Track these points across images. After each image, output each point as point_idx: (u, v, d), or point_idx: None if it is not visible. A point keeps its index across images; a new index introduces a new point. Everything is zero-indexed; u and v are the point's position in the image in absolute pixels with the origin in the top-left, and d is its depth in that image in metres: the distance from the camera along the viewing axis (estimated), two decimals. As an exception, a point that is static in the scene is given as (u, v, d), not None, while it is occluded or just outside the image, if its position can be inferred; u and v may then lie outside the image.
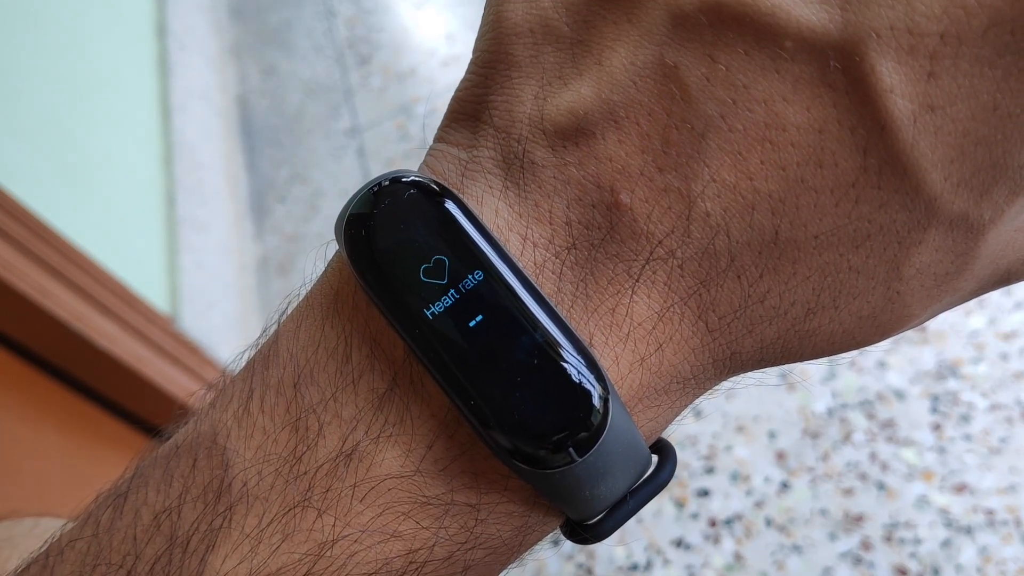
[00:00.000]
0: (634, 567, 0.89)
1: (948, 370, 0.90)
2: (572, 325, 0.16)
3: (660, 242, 0.16)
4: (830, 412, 0.92)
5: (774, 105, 0.14)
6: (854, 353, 0.95)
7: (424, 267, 0.16)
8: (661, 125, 0.15)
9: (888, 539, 0.83)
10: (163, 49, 1.35)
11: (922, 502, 0.84)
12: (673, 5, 0.15)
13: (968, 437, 0.86)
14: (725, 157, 0.15)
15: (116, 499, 0.18)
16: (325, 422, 0.17)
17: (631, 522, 0.91)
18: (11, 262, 0.74)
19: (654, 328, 0.16)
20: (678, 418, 0.19)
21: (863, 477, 0.87)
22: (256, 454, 0.17)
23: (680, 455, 0.93)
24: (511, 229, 0.16)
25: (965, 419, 0.87)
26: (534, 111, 0.16)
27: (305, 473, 0.17)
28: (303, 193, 1.44)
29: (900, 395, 0.91)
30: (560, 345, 0.15)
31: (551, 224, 0.16)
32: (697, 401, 0.18)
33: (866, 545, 0.83)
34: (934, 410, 0.89)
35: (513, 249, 0.16)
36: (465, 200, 0.17)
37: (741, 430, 0.93)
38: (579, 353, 0.16)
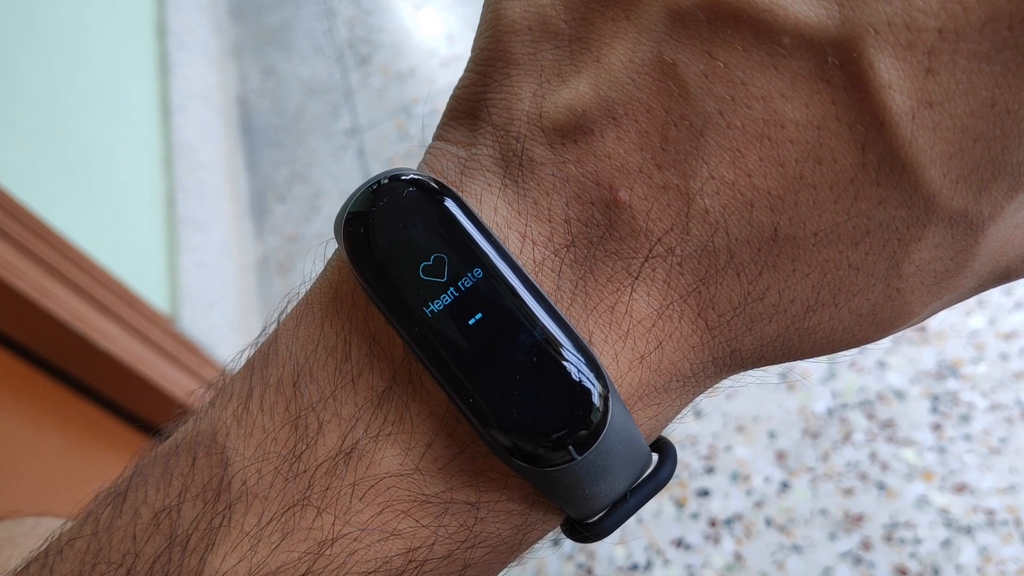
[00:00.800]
0: (634, 567, 0.89)
1: (948, 370, 0.90)
2: (571, 323, 0.16)
3: (659, 239, 0.16)
4: (830, 412, 0.92)
5: (772, 101, 0.14)
6: (854, 352, 0.95)
7: (423, 265, 0.16)
8: (660, 122, 0.15)
9: (888, 539, 0.83)
10: (163, 49, 1.35)
11: (922, 502, 0.84)
12: (671, 2, 0.15)
13: (968, 437, 0.86)
14: (724, 154, 0.15)
15: (116, 498, 0.18)
16: (324, 420, 0.17)
17: (631, 522, 0.91)
18: (11, 262, 0.74)
19: (653, 326, 0.16)
20: (678, 416, 0.18)
21: (863, 477, 0.87)
22: (256, 452, 0.17)
23: (680, 455, 0.93)
24: (510, 227, 0.16)
25: (965, 419, 0.87)
26: (533, 109, 0.16)
27: (304, 471, 0.17)
28: (303, 193, 1.44)
29: (900, 395, 0.91)
30: (559, 343, 0.15)
31: (550, 222, 0.16)
32: (697, 401, 0.18)
33: (866, 545, 0.83)
34: (934, 410, 0.89)
35: (512, 247, 0.16)
36: (464, 198, 0.17)
37: (741, 430, 0.93)
38: (578, 351, 0.16)
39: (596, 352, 0.16)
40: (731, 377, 0.19)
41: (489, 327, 0.16)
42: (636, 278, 0.16)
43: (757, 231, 0.15)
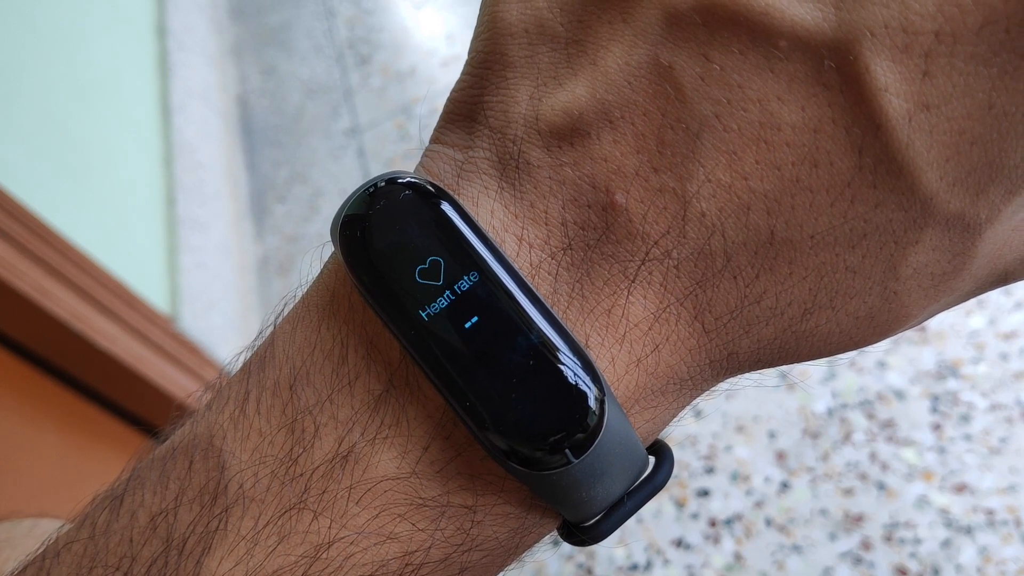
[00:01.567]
0: (634, 567, 0.89)
1: (948, 370, 0.90)
2: (568, 326, 0.16)
3: (656, 243, 0.16)
4: (830, 412, 0.92)
5: (769, 104, 0.14)
6: (853, 353, 0.94)
7: (420, 268, 0.16)
8: (656, 125, 0.15)
9: (888, 539, 0.83)
10: (163, 49, 1.35)
11: (922, 502, 0.84)
12: (667, 4, 0.15)
13: (968, 437, 0.86)
14: (720, 157, 0.15)
15: (113, 501, 0.18)
16: (321, 424, 0.17)
17: (631, 522, 0.91)
18: (11, 262, 0.74)
19: (650, 329, 0.16)
20: (677, 419, 0.18)
21: (863, 477, 0.87)
22: (252, 456, 0.17)
23: (680, 455, 0.93)
24: (507, 230, 0.16)
25: (965, 419, 0.87)
26: (529, 111, 0.16)
27: (301, 475, 0.17)
28: (303, 193, 1.44)
29: (900, 395, 0.91)
30: (556, 346, 0.15)
31: (547, 225, 0.16)
32: (696, 401, 0.18)
33: (866, 545, 0.83)
34: (934, 410, 0.89)
35: (509, 250, 0.16)
36: (460, 201, 0.16)
37: (741, 430, 0.93)
38: (575, 354, 0.15)
39: (593, 355, 0.16)
40: (730, 379, 0.19)
41: (485, 330, 0.16)
42: (633, 281, 0.16)
43: (753, 234, 0.15)
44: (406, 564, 0.17)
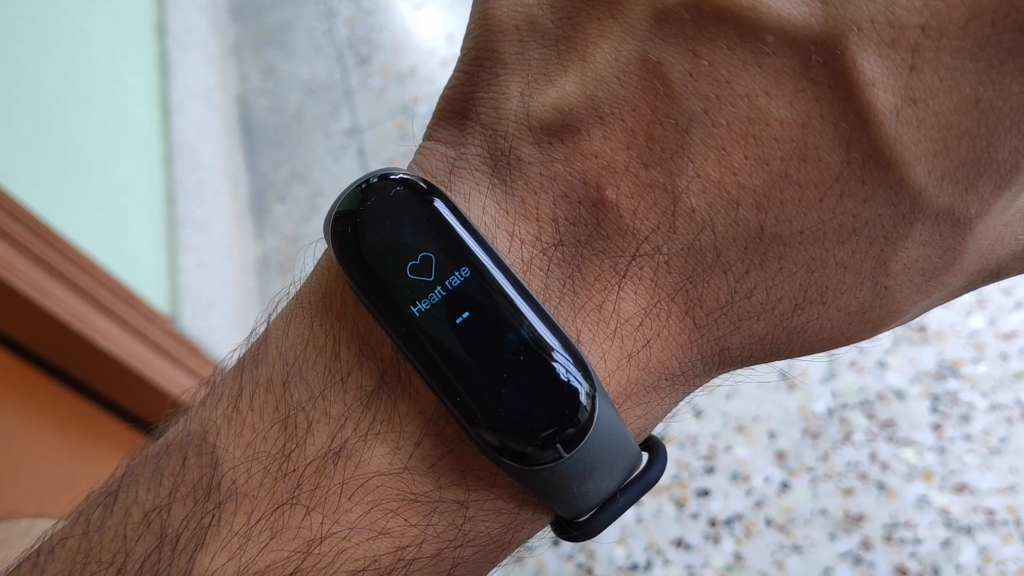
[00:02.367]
0: (634, 567, 0.89)
1: (948, 370, 0.90)
2: (559, 322, 0.16)
3: (646, 238, 0.16)
4: (830, 412, 0.92)
5: (757, 99, 0.14)
6: (854, 352, 0.94)
7: (411, 264, 0.16)
8: (645, 121, 0.15)
9: (888, 539, 0.83)
10: (163, 49, 1.35)
11: (922, 502, 0.84)
12: (656, 1, 0.15)
13: (968, 437, 0.86)
14: (709, 152, 0.15)
15: (107, 497, 0.18)
16: (314, 420, 0.17)
17: (631, 522, 0.91)
18: (11, 262, 0.74)
19: (641, 324, 0.16)
20: (676, 417, 0.18)
21: (863, 477, 0.87)
22: (245, 452, 0.17)
23: (680, 455, 0.93)
24: (498, 226, 0.16)
25: (965, 419, 0.87)
26: (520, 108, 0.16)
27: (294, 471, 0.17)
28: (303, 193, 1.44)
29: (900, 395, 0.90)
30: (547, 342, 0.15)
31: (538, 221, 0.16)
32: (697, 401, 0.18)
33: (866, 545, 0.83)
34: (934, 410, 0.89)
35: (500, 246, 0.16)
36: (452, 197, 0.17)
37: (741, 430, 0.93)
38: (566, 350, 0.16)
39: (584, 351, 0.16)
40: (730, 377, 0.19)
41: (476, 326, 0.16)
42: (623, 277, 0.16)
43: (743, 229, 0.15)
44: (398, 559, 0.17)
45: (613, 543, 0.90)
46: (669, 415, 0.19)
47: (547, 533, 0.19)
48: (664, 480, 0.92)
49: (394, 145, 1.41)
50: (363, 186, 0.17)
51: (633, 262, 0.16)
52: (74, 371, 0.86)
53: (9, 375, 0.78)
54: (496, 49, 0.17)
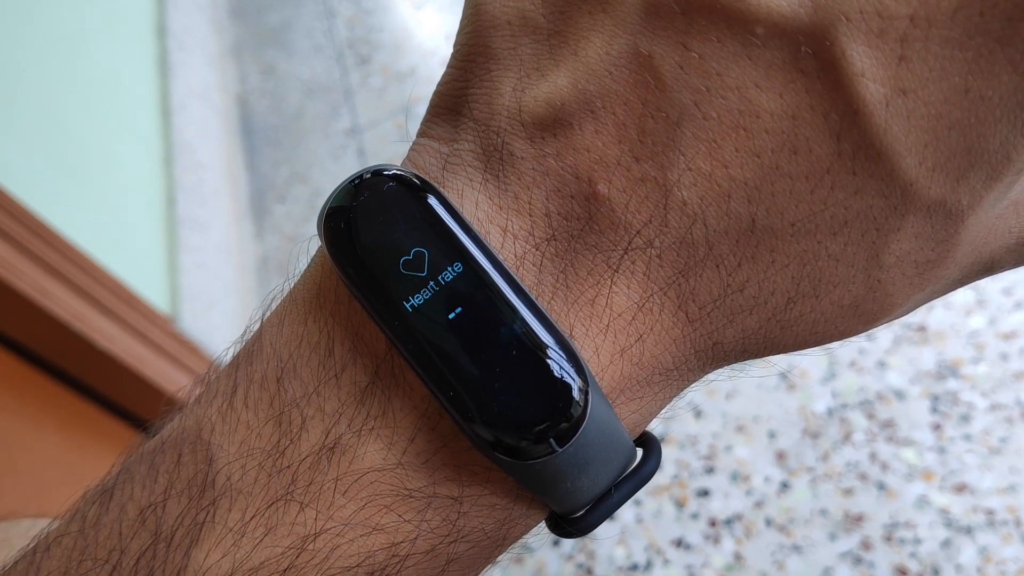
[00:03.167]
0: (634, 567, 0.89)
1: (948, 370, 0.90)
2: (552, 317, 0.16)
3: (638, 232, 0.16)
4: (830, 412, 0.92)
5: (747, 92, 0.14)
6: (853, 353, 0.94)
7: (404, 260, 0.16)
8: (637, 114, 0.15)
9: (888, 539, 0.83)
10: (163, 49, 1.35)
11: (922, 502, 0.84)
12: None
13: (968, 437, 0.86)
14: (700, 145, 0.15)
15: (102, 495, 0.18)
16: (308, 416, 0.17)
17: (631, 522, 0.91)
18: (11, 262, 0.74)
19: (634, 319, 0.16)
20: (676, 417, 0.18)
21: (863, 477, 0.87)
22: (240, 448, 0.17)
23: (680, 455, 0.93)
24: (491, 221, 0.16)
25: (965, 419, 0.87)
26: (512, 103, 0.16)
27: (288, 467, 0.17)
28: (303, 193, 1.44)
29: (900, 395, 0.90)
30: (540, 337, 0.15)
31: (531, 216, 0.16)
32: (697, 401, 0.18)
33: (866, 545, 0.83)
34: (934, 410, 0.88)
35: (493, 241, 0.16)
36: (445, 193, 0.17)
37: (741, 430, 0.93)
38: (559, 345, 0.15)
39: (577, 346, 0.16)
40: (730, 376, 0.19)
41: (470, 321, 0.16)
42: (616, 271, 0.16)
43: (735, 222, 0.15)
44: (392, 555, 0.17)
45: (613, 543, 0.90)
46: (665, 412, 0.19)
47: (548, 533, 0.19)
48: (664, 480, 0.92)
49: (394, 145, 1.41)
50: (356, 182, 0.17)
51: (625, 256, 0.16)
52: (74, 371, 0.86)
53: (9, 375, 0.78)
54: (488, 45, 0.17)
